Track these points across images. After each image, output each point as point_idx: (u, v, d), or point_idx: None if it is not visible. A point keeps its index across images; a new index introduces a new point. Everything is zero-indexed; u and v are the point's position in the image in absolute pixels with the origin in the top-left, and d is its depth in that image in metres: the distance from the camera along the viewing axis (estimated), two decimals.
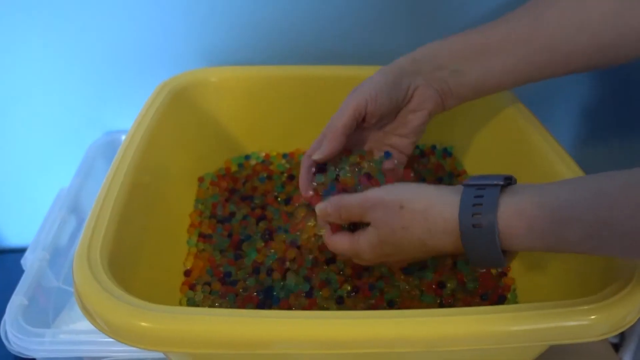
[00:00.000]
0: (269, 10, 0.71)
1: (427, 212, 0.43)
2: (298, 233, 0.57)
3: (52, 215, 0.71)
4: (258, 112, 0.72)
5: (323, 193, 0.52)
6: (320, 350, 0.39)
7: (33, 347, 0.56)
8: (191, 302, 0.56)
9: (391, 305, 0.55)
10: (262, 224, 0.64)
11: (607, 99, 0.84)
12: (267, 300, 0.55)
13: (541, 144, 0.58)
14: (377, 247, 0.46)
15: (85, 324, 0.63)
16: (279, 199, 0.68)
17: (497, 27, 0.53)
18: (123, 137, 0.57)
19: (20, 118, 0.78)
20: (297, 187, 0.69)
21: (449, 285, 0.57)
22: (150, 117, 0.60)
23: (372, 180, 0.53)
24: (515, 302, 0.56)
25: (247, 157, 0.74)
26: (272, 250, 0.60)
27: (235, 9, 0.71)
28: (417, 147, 0.74)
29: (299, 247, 0.59)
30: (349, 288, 0.56)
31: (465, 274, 0.59)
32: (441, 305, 0.55)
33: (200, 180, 0.70)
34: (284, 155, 0.75)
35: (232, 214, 0.66)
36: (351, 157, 0.55)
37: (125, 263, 0.46)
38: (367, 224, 0.47)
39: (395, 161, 0.55)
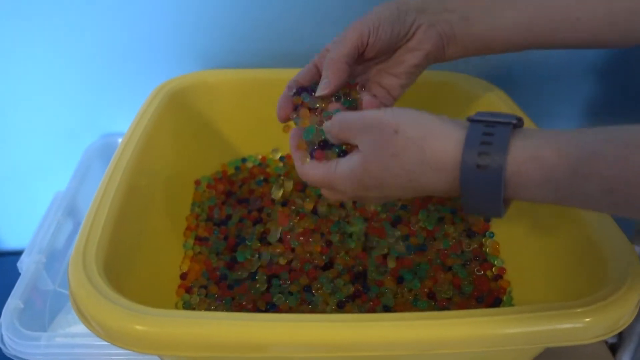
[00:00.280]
0: (265, 13, 0.71)
1: (424, 141, 0.38)
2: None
3: (48, 218, 0.70)
4: (254, 115, 0.72)
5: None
6: (317, 353, 0.39)
7: (29, 350, 0.56)
8: (187, 306, 0.56)
9: (387, 310, 0.55)
10: (258, 227, 0.64)
11: (610, 101, 0.84)
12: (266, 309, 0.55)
13: None
14: (357, 175, 0.41)
15: (81, 328, 0.62)
16: (276, 201, 0.68)
17: None
18: (120, 140, 0.56)
19: (17, 121, 0.78)
20: (293, 189, 0.70)
21: (444, 289, 0.57)
22: (146, 120, 0.60)
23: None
24: (511, 305, 0.56)
25: (244, 160, 0.74)
26: (266, 252, 0.60)
27: (232, 12, 0.71)
28: None
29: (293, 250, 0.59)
30: (351, 290, 0.56)
31: (461, 277, 0.59)
32: (436, 309, 0.55)
33: (197, 183, 0.70)
34: (281, 158, 0.75)
35: (229, 217, 0.66)
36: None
37: (121, 266, 0.46)
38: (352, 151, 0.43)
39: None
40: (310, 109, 0.49)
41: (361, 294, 0.56)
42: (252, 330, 0.38)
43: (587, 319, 0.39)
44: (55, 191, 0.75)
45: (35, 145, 0.81)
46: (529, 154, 0.35)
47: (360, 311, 0.54)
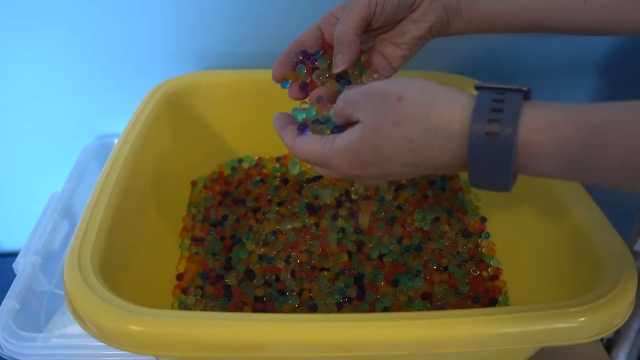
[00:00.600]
0: (261, 15, 0.71)
1: (429, 107, 0.35)
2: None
3: (44, 219, 0.70)
4: (251, 116, 0.72)
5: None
6: (313, 353, 0.39)
7: (25, 351, 0.56)
8: (183, 306, 0.56)
9: (384, 311, 0.55)
10: (256, 227, 0.64)
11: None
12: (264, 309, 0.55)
13: None
14: (355, 149, 0.38)
15: (77, 328, 0.63)
16: (272, 202, 0.68)
17: None
18: (116, 141, 0.56)
19: (13, 122, 0.78)
20: (291, 190, 0.70)
21: (439, 289, 0.57)
22: (142, 121, 0.60)
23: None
24: (507, 305, 0.56)
25: (240, 161, 0.74)
26: (263, 251, 0.60)
27: (228, 13, 0.71)
28: None
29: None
30: (354, 294, 0.56)
31: (457, 278, 0.59)
32: (432, 309, 0.55)
33: (193, 184, 0.70)
34: (277, 159, 0.75)
35: (225, 218, 0.66)
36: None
37: (117, 267, 0.46)
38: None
39: (375, 75, 0.50)
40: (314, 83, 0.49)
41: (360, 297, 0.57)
42: (248, 331, 0.38)
43: (582, 319, 0.39)
44: (51, 192, 0.75)
45: (32, 146, 0.81)
46: (541, 122, 0.33)
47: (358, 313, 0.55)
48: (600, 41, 0.78)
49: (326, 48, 0.50)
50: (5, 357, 0.56)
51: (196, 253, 0.62)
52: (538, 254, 0.55)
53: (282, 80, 0.49)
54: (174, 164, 0.65)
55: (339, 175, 0.41)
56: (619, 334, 0.69)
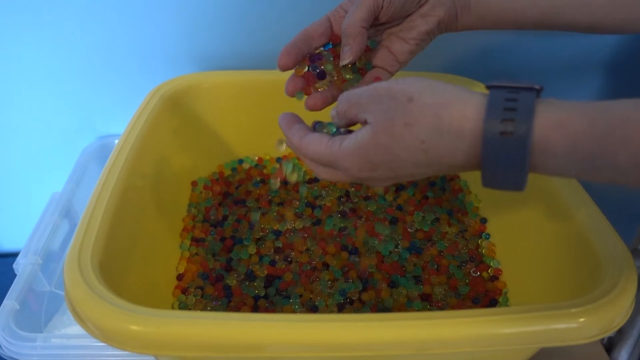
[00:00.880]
0: (261, 15, 0.72)
1: (441, 107, 0.35)
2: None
3: (44, 220, 0.70)
4: (251, 117, 0.72)
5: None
6: (313, 353, 0.39)
7: (25, 351, 0.56)
8: (183, 306, 0.56)
9: (384, 311, 0.55)
10: (256, 227, 0.64)
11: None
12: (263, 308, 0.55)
13: None
14: (365, 150, 0.37)
15: (77, 328, 0.63)
16: (273, 202, 0.68)
17: None
18: (116, 142, 0.56)
19: (13, 123, 0.78)
20: (291, 190, 0.70)
21: (439, 290, 0.57)
22: (143, 121, 0.60)
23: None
24: (507, 306, 0.56)
25: (241, 162, 0.75)
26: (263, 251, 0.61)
27: (228, 14, 0.71)
28: None
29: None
30: (357, 296, 0.56)
31: (457, 278, 0.59)
32: (432, 310, 0.55)
33: (194, 184, 0.70)
34: (278, 160, 0.75)
35: (225, 218, 0.66)
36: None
37: (117, 267, 0.46)
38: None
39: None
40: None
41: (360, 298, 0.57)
42: (248, 330, 0.38)
43: (582, 319, 0.39)
44: (51, 192, 0.75)
45: (32, 147, 0.81)
46: (556, 120, 0.32)
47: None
48: (606, 40, 0.78)
49: (334, 40, 0.50)
50: (5, 357, 0.56)
51: (196, 253, 0.62)
52: (538, 255, 0.55)
53: (297, 93, 0.49)
54: (174, 165, 0.65)
55: (346, 178, 0.40)
56: (620, 334, 0.70)
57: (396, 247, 0.62)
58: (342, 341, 0.38)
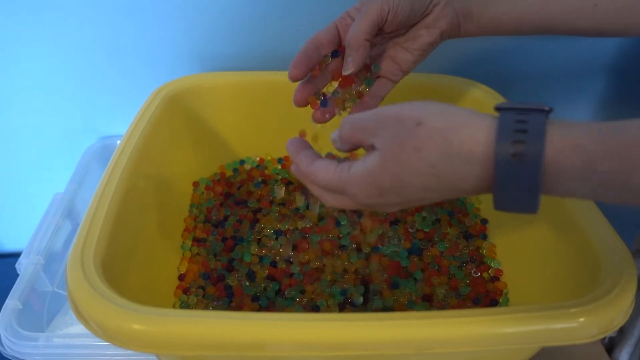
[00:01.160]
0: (263, 16, 0.72)
1: (450, 131, 0.34)
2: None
3: (47, 220, 0.71)
4: (253, 117, 0.72)
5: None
6: (313, 352, 0.39)
7: (27, 350, 0.56)
8: (185, 306, 0.56)
9: (386, 310, 0.55)
10: (257, 227, 0.64)
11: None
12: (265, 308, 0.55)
13: None
14: (374, 176, 0.36)
15: (78, 328, 0.63)
16: (274, 202, 0.68)
17: None
18: (118, 143, 0.57)
19: (15, 123, 0.79)
20: (292, 191, 0.70)
21: (440, 290, 0.57)
22: (145, 122, 0.60)
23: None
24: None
25: (242, 162, 0.75)
26: (265, 252, 0.61)
27: (230, 15, 0.71)
28: None
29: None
30: (360, 299, 0.56)
31: (458, 279, 0.59)
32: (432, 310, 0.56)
33: (195, 185, 0.70)
34: (279, 160, 0.75)
35: (226, 219, 0.66)
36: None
37: (119, 267, 0.46)
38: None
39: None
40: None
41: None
42: (249, 329, 0.38)
43: (582, 319, 0.39)
44: (53, 193, 0.76)
45: (34, 147, 0.81)
46: (568, 142, 0.32)
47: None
48: (608, 42, 0.78)
49: (342, 49, 0.51)
50: (7, 357, 0.57)
51: (198, 254, 0.62)
52: (539, 256, 0.55)
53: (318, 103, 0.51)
54: (176, 165, 0.65)
55: (354, 204, 0.39)
56: (621, 335, 0.70)
57: (398, 245, 0.62)
58: (343, 340, 0.38)
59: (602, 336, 0.40)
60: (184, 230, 0.64)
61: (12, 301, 0.60)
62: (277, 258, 0.61)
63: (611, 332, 0.41)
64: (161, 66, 0.75)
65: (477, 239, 0.64)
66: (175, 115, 0.66)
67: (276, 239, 0.63)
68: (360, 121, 0.39)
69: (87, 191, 0.75)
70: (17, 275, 0.65)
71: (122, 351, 0.54)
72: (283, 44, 0.74)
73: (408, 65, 0.52)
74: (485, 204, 0.68)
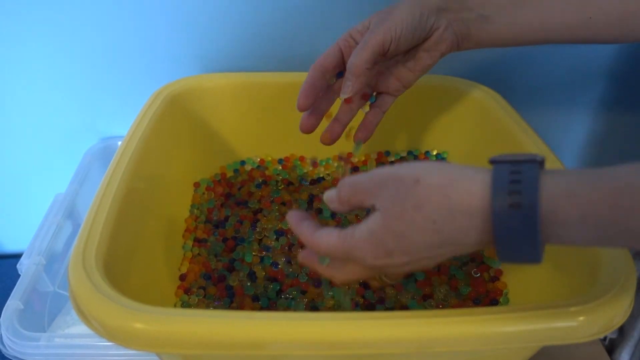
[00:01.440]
0: (264, 17, 0.72)
1: (448, 187, 0.35)
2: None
3: (48, 220, 0.71)
4: (253, 118, 0.72)
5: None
6: (314, 351, 0.39)
7: (28, 350, 0.56)
8: (186, 306, 0.56)
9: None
10: (258, 226, 0.64)
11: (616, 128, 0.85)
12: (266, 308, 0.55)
13: (534, 151, 0.59)
14: (379, 237, 0.37)
15: (80, 328, 0.63)
16: (274, 203, 0.69)
17: None
18: (119, 143, 0.57)
19: (16, 123, 0.79)
20: (293, 191, 0.70)
21: (440, 290, 0.58)
22: (146, 123, 0.60)
23: None
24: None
25: (243, 163, 0.75)
26: (266, 253, 0.61)
27: (230, 16, 0.72)
28: (410, 152, 0.75)
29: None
30: (361, 301, 0.57)
31: (458, 279, 0.59)
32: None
33: (196, 185, 0.70)
34: (280, 161, 0.75)
35: (227, 219, 0.66)
36: None
37: (121, 267, 0.46)
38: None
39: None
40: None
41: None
42: (250, 328, 0.38)
43: (581, 318, 0.39)
44: (54, 193, 0.76)
45: (35, 148, 0.81)
46: (562, 190, 0.33)
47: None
48: (607, 48, 0.78)
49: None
50: (9, 356, 0.57)
51: (199, 254, 0.62)
52: None
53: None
54: (176, 166, 0.65)
55: (363, 271, 0.40)
56: (622, 335, 0.70)
57: None
58: (344, 339, 0.39)
59: (602, 335, 0.40)
60: (185, 230, 0.64)
61: (14, 301, 0.60)
62: (277, 258, 0.61)
63: (611, 330, 0.41)
64: (162, 67, 0.75)
65: None
66: (176, 116, 0.66)
67: (277, 239, 0.63)
68: (359, 183, 0.39)
69: (88, 192, 0.75)
70: (19, 275, 0.65)
71: (123, 351, 0.54)
72: (285, 45, 0.74)
73: (410, 81, 0.55)
74: None
